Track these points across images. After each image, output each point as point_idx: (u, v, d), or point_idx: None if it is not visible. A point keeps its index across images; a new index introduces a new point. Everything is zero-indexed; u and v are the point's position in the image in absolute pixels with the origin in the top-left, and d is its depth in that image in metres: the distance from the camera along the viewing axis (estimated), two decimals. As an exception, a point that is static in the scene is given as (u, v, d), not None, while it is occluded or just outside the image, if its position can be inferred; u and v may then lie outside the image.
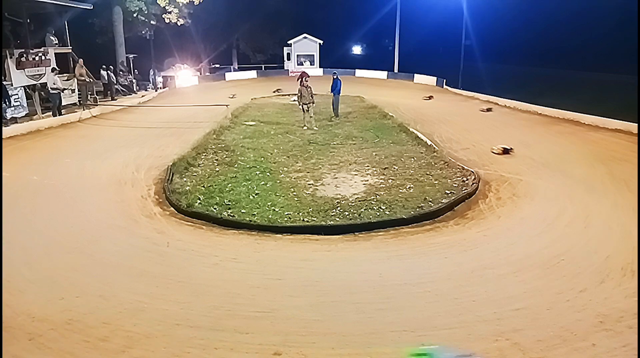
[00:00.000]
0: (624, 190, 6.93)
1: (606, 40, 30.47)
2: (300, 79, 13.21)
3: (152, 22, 23.47)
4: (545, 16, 35.81)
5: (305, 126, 12.68)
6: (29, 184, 7.61)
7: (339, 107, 14.61)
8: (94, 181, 7.93)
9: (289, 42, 29.55)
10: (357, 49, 54.29)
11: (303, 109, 12.82)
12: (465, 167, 8.38)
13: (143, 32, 23.95)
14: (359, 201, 6.83)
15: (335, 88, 14.31)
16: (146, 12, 22.62)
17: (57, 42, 16.02)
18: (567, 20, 33.52)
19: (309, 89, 12.71)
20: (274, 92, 21.44)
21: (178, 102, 17.07)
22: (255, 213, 6.37)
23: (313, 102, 12.85)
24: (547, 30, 35.38)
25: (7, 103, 12.29)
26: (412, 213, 6.33)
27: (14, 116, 12.76)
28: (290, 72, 28.60)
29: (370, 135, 11.54)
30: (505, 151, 9.55)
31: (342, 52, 37.09)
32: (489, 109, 15.54)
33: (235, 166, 8.80)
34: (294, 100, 15.89)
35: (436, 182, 7.68)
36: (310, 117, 12.80)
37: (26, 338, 3.47)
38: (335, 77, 14.43)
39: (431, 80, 24.75)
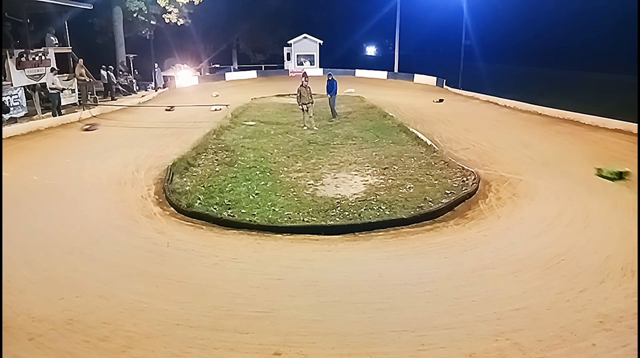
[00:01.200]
0: (624, 190, 6.93)
1: (606, 40, 30.50)
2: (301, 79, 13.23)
3: (152, 22, 23.44)
4: (545, 16, 35.85)
5: (305, 126, 12.69)
6: (29, 184, 7.61)
7: (337, 108, 14.62)
8: (94, 181, 7.92)
9: (289, 42, 29.57)
10: (371, 50, 53.86)
11: (302, 109, 12.83)
12: (465, 167, 8.38)
13: (143, 32, 23.92)
14: (359, 201, 6.83)
15: (332, 89, 14.31)
16: (146, 12, 22.60)
17: (57, 42, 16.01)
18: (567, 20, 33.56)
19: (308, 89, 12.72)
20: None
21: (178, 102, 17.06)
22: (255, 213, 6.37)
23: (312, 102, 12.85)
24: (547, 30, 35.42)
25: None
26: (412, 213, 6.33)
27: (14, 116, 12.76)
28: (290, 72, 28.60)
29: (370, 135, 11.54)
30: (441, 101, 17.22)
31: (343, 52, 37.10)
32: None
33: (235, 166, 8.80)
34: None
35: (436, 182, 7.68)
36: (310, 117, 12.80)
37: (26, 338, 3.47)
38: (330, 78, 14.41)
39: (431, 80, 24.74)
